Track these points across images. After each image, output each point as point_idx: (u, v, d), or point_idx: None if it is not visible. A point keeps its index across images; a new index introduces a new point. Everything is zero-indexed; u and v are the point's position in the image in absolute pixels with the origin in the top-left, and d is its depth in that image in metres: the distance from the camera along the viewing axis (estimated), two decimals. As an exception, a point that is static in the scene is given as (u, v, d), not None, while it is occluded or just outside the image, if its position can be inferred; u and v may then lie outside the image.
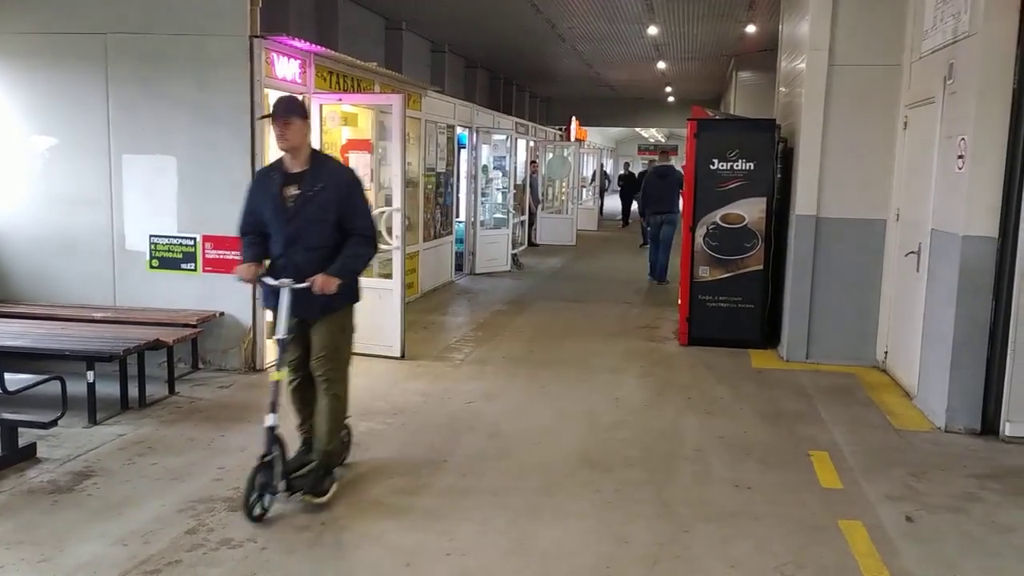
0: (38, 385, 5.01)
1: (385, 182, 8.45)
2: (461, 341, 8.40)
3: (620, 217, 24.92)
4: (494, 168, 14.47)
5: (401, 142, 7.38)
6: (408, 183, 8.50)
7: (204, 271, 6.74)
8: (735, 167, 8.15)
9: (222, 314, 6.69)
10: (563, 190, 20.04)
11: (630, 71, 21.88)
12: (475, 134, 13.19)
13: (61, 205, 6.88)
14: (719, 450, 5.34)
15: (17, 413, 4.87)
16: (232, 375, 6.71)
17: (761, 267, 8.23)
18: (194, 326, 6.39)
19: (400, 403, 6.18)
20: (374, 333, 7.34)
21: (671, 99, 28.36)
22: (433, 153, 11.21)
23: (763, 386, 6.95)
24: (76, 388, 5.35)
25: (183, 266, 6.80)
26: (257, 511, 4.05)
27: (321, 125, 7.63)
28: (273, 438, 4.12)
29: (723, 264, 8.28)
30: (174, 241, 6.79)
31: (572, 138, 23.28)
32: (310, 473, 4.35)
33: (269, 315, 5.11)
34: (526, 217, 17.03)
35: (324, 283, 4.16)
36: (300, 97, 7.41)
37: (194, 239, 6.75)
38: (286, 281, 4.22)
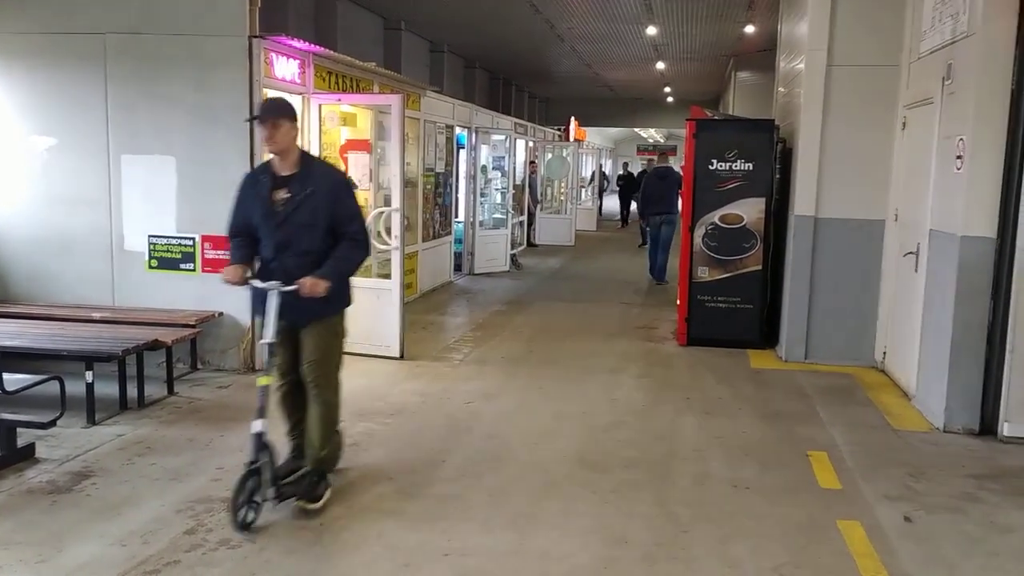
0: (37, 385, 5.01)
1: (384, 182, 8.45)
2: (460, 341, 8.40)
3: (619, 217, 24.92)
4: (493, 168, 14.48)
5: (400, 142, 7.38)
6: (407, 183, 8.50)
7: (203, 271, 6.73)
8: (734, 167, 8.16)
9: (221, 314, 6.69)
10: (562, 190, 20.05)
11: (629, 71, 21.89)
12: (474, 134, 13.19)
13: (60, 205, 6.88)
14: (717, 450, 5.35)
15: (16, 413, 4.87)
16: (231, 375, 6.71)
17: (760, 267, 8.23)
18: (193, 326, 6.39)
19: (399, 403, 6.18)
20: (373, 333, 7.35)
21: (670, 99, 28.37)
22: (432, 153, 11.21)
23: (762, 386, 6.95)
24: (75, 388, 5.35)
25: (182, 266, 6.79)
26: (247, 519, 3.96)
27: (320, 125, 7.63)
28: (261, 444, 4.02)
29: (722, 264, 8.29)
30: (173, 241, 6.79)
31: (571, 138, 23.28)
32: (304, 480, 4.32)
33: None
34: (525, 217, 17.04)
35: (312, 286, 4.07)
36: (298, 97, 7.46)
37: (193, 239, 6.75)
38: (273, 284, 4.13)
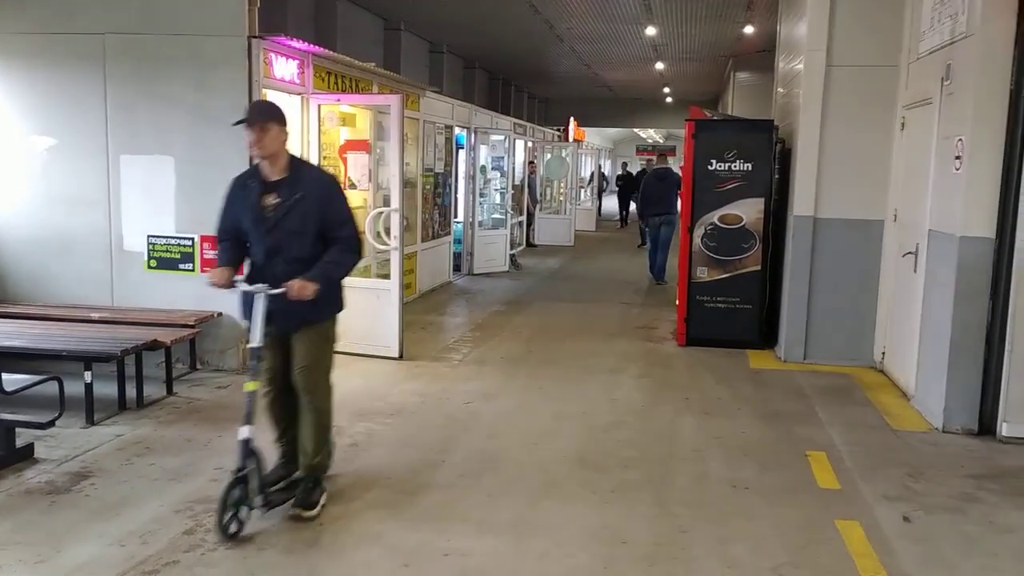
0: (36, 385, 5.01)
1: (383, 182, 8.45)
2: (459, 342, 8.40)
3: (618, 218, 24.92)
4: (492, 168, 14.48)
5: (399, 142, 7.38)
6: (406, 183, 8.50)
7: (202, 271, 6.72)
8: (733, 168, 8.16)
9: (220, 314, 6.68)
10: (561, 190, 20.06)
11: (628, 72, 21.89)
12: (473, 134, 13.20)
13: (59, 205, 6.87)
14: (717, 451, 5.35)
15: (15, 413, 4.86)
16: (230, 375, 6.71)
17: (759, 268, 8.24)
18: (192, 326, 6.39)
19: (398, 403, 6.18)
20: (372, 333, 7.36)
21: (669, 100, 28.36)
22: (431, 153, 11.21)
23: (761, 387, 6.95)
24: (74, 388, 5.34)
25: (181, 266, 6.79)
26: (232, 528, 3.86)
27: (319, 125, 7.63)
28: (248, 451, 3.94)
29: (721, 265, 8.29)
30: (172, 241, 6.79)
31: (570, 138, 23.28)
32: (295, 487, 4.27)
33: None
34: (524, 218, 17.04)
35: (300, 289, 3.96)
36: (297, 97, 7.46)
37: (192, 239, 6.75)
38: (260, 286, 4.04)
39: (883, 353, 7.37)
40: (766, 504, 4.52)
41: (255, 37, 6.54)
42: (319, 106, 7.61)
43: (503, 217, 14.36)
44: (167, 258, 6.81)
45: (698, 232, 8.29)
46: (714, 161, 8.18)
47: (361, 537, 4.02)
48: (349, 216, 4.25)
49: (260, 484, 4.00)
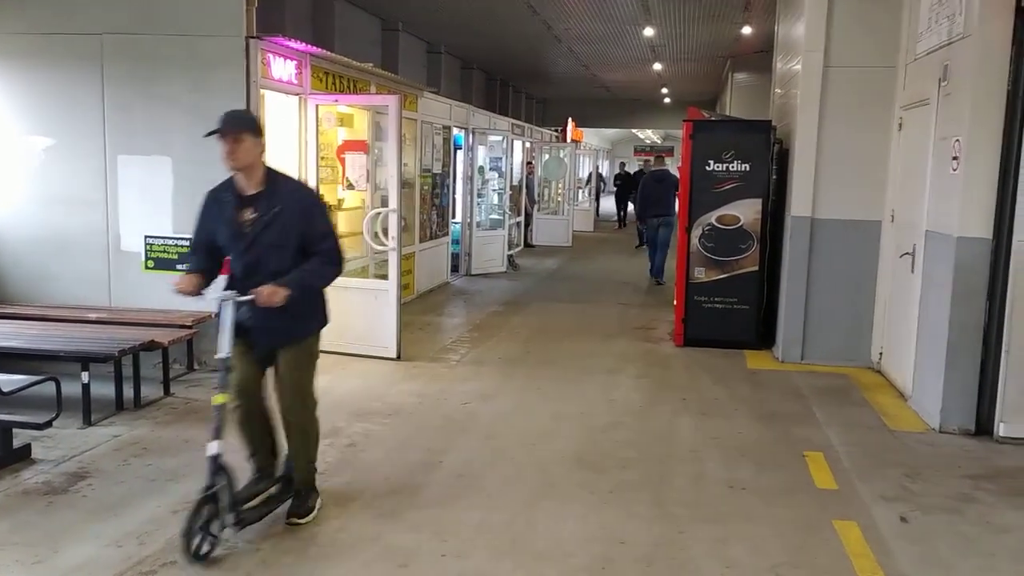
0: (33, 386, 5.00)
1: (381, 183, 8.45)
2: (457, 342, 8.40)
3: (616, 218, 24.93)
4: (490, 169, 14.48)
5: (397, 143, 7.38)
6: (404, 184, 8.50)
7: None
8: (731, 168, 8.17)
9: (218, 315, 6.66)
10: (559, 191, 20.06)
11: (626, 72, 21.89)
12: (471, 135, 13.20)
13: (57, 206, 6.87)
14: (714, 451, 5.35)
15: (12, 414, 4.86)
16: (228, 376, 6.69)
17: (756, 268, 8.24)
18: (189, 327, 6.38)
19: (396, 404, 6.18)
20: (370, 334, 7.36)
21: (667, 100, 28.36)
22: (429, 154, 11.21)
23: (758, 387, 6.96)
24: (71, 389, 5.34)
25: (179, 267, 6.76)
26: (203, 550, 3.67)
27: (317, 126, 7.63)
28: (217, 467, 3.73)
29: (719, 265, 8.30)
30: (169, 242, 6.78)
31: (568, 139, 23.29)
32: (294, 498, 4.19)
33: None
34: (522, 218, 17.04)
35: (270, 294, 3.76)
36: (295, 97, 7.45)
37: (190, 240, 6.72)
38: (228, 294, 3.89)
39: (880, 353, 7.38)
40: (763, 504, 4.52)
41: (253, 37, 6.53)
42: (317, 106, 7.61)
43: (501, 218, 14.36)
44: (164, 258, 6.80)
45: (696, 233, 8.29)
46: (712, 162, 8.18)
47: (359, 538, 4.02)
48: (330, 229, 4.09)
49: (232, 501, 3.79)
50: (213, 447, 3.76)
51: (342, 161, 8.81)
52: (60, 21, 6.74)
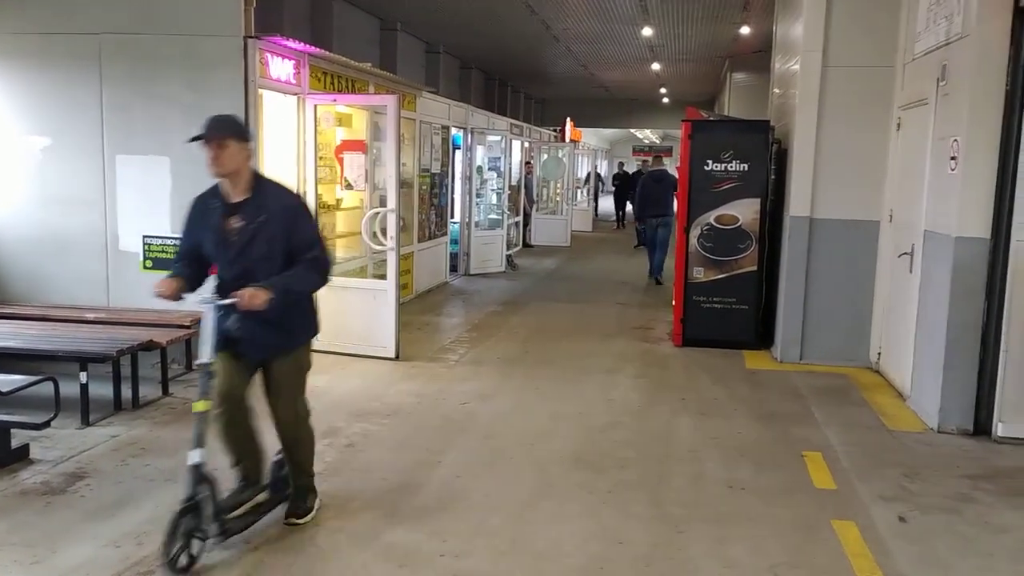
0: (31, 386, 4.99)
1: (380, 183, 8.45)
2: (456, 342, 8.40)
3: (614, 218, 24.93)
4: (489, 169, 14.48)
5: (396, 143, 7.38)
6: (403, 184, 8.51)
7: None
8: (729, 168, 8.17)
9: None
10: (557, 191, 20.06)
11: (625, 72, 21.90)
12: (470, 135, 13.20)
13: (55, 205, 6.86)
14: (713, 451, 5.35)
15: (10, 414, 4.86)
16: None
17: (755, 268, 8.24)
18: (187, 327, 6.37)
19: (394, 404, 6.17)
20: (368, 334, 7.36)
21: (665, 100, 28.38)
22: (428, 154, 11.21)
23: (757, 387, 6.96)
24: (69, 389, 5.33)
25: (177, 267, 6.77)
26: (182, 562, 3.56)
27: (315, 126, 7.63)
28: (200, 477, 3.63)
29: (717, 265, 8.30)
30: (168, 242, 6.77)
31: (567, 139, 23.29)
32: (293, 498, 4.17)
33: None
34: (521, 218, 17.04)
35: (251, 297, 3.65)
36: (294, 97, 7.45)
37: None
38: (211, 297, 3.81)
39: (879, 353, 7.38)
40: (762, 504, 4.52)
41: (251, 37, 6.53)
42: (315, 106, 7.60)
43: (500, 217, 14.36)
44: (163, 258, 6.78)
45: (694, 232, 8.29)
46: (710, 162, 8.18)
47: (357, 538, 4.02)
48: (317, 238, 4.01)
49: (216, 511, 3.69)
50: (195, 456, 3.65)
51: (340, 161, 8.81)
52: (60, 21, 6.73)
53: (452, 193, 12.74)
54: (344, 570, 3.75)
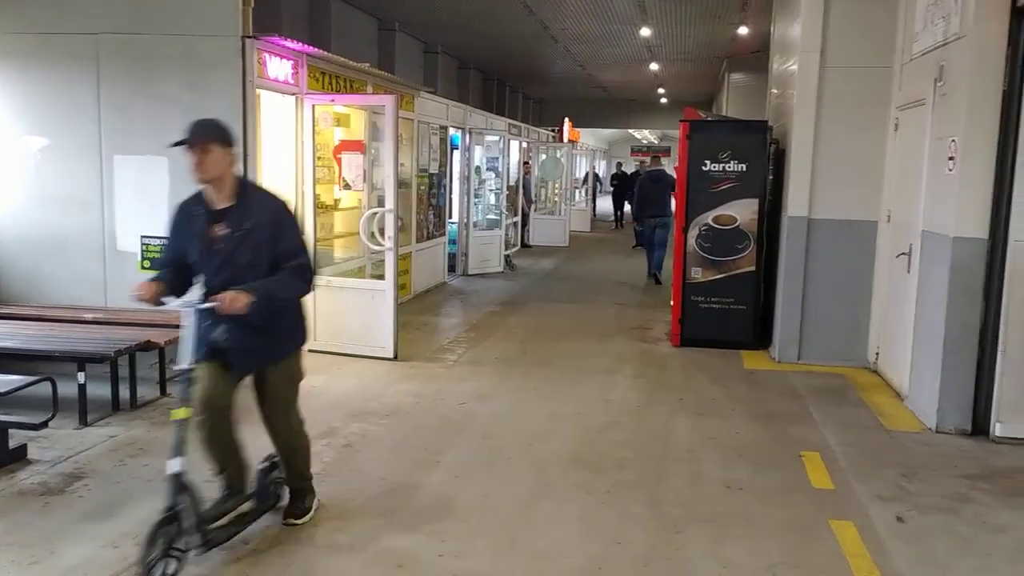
0: (29, 386, 4.98)
1: (378, 183, 8.45)
2: (454, 342, 8.40)
3: (613, 218, 24.94)
4: (487, 169, 14.48)
5: (394, 143, 7.38)
6: (401, 184, 8.49)
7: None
8: (727, 168, 8.17)
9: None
10: (556, 191, 20.06)
11: (623, 72, 21.91)
12: (468, 135, 13.20)
13: (52, 206, 6.85)
14: (711, 451, 5.36)
15: (8, 414, 4.85)
16: (224, 376, 6.68)
17: (753, 268, 8.25)
18: (186, 327, 6.36)
19: (393, 404, 6.17)
20: (366, 334, 7.35)
21: (663, 100, 28.39)
22: (426, 154, 11.21)
23: (755, 387, 6.96)
24: (67, 389, 5.32)
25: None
26: (159, 573, 3.41)
27: (313, 126, 7.62)
28: (180, 486, 3.50)
29: (715, 265, 8.30)
30: (166, 242, 6.75)
31: (565, 139, 23.29)
32: (291, 498, 4.17)
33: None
34: (519, 218, 17.04)
35: (232, 300, 3.55)
36: (292, 97, 7.44)
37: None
38: (190, 300, 3.74)
39: (877, 353, 7.39)
40: (760, 504, 4.53)
41: (249, 37, 6.52)
42: (313, 106, 7.60)
43: (498, 218, 14.36)
44: (160, 258, 6.77)
45: (692, 233, 8.30)
46: (708, 162, 8.19)
47: (356, 538, 4.01)
48: (302, 246, 3.92)
49: (198, 521, 3.56)
50: (175, 464, 3.52)
51: (338, 161, 8.80)
52: (58, 21, 6.71)
53: (450, 193, 12.74)
54: (343, 570, 3.75)
